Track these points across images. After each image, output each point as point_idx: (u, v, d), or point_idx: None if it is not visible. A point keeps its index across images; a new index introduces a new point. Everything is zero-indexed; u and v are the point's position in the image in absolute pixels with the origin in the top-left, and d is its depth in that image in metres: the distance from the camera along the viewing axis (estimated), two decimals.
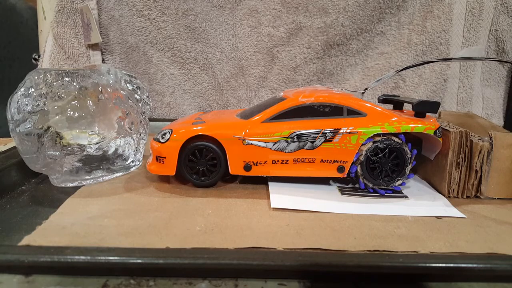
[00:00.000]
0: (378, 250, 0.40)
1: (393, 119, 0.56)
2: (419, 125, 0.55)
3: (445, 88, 0.90)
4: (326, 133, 0.55)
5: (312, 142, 0.55)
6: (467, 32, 0.88)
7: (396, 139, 0.55)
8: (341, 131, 0.55)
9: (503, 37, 0.88)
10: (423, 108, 0.57)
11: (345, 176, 0.57)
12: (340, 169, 0.56)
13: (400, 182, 0.56)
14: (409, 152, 0.55)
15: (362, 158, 0.55)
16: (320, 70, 0.93)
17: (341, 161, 0.56)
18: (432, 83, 0.90)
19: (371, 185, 0.56)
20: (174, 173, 0.56)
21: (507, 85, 0.93)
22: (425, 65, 0.90)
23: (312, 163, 0.56)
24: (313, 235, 0.43)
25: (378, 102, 0.67)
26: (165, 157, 0.56)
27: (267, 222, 0.46)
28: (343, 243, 0.41)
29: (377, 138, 0.55)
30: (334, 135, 0.55)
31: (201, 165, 0.56)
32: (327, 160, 0.56)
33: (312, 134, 0.55)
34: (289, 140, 0.55)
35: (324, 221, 0.47)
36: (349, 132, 0.55)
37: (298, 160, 0.56)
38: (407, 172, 0.56)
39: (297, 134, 0.55)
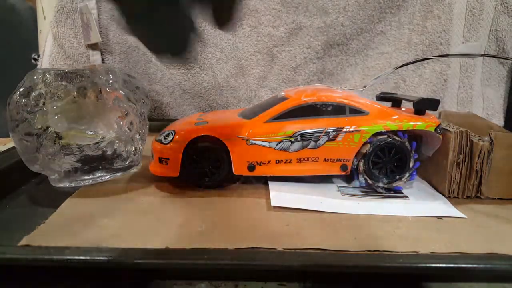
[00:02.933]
0: (378, 251, 0.40)
1: (394, 117, 0.56)
2: (420, 123, 0.55)
3: (446, 88, 0.90)
4: (329, 132, 0.55)
5: (316, 141, 0.55)
6: (467, 32, 0.88)
7: (398, 137, 0.55)
8: (344, 129, 0.55)
9: (503, 37, 0.88)
10: (423, 106, 0.57)
11: (348, 173, 0.57)
12: (343, 167, 0.56)
13: (401, 183, 0.56)
14: (412, 150, 0.55)
15: (364, 154, 0.55)
16: (320, 70, 0.93)
17: (344, 159, 0.56)
18: (433, 83, 0.90)
19: (370, 182, 0.56)
20: (178, 175, 0.56)
21: (508, 85, 0.92)
22: (425, 64, 0.90)
23: (315, 162, 0.56)
24: (313, 236, 0.43)
25: (377, 99, 0.67)
26: (168, 159, 0.55)
27: (267, 222, 0.46)
28: (343, 244, 0.41)
29: (380, 137, 0.55)
30: (337, 134, 0.55)
31: (205, 166, 0.56)
32: (331, 159, 0.56)
33: (316, 133, 0.55)
34: (292, 139, 0.55)
35: (324, 221, 0.47)
36: (352, 131, 0.55)
37: (302, 159, 0.56)
38: (409, 173, 0.56)
39: (300, 134, 0.55)
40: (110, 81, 0.56)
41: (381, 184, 0.56)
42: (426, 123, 0.55)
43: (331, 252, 0.39)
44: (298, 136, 0.55)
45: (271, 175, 0.57)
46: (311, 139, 0.55)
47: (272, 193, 0.53)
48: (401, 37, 0.90)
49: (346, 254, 0.39)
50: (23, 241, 0.40)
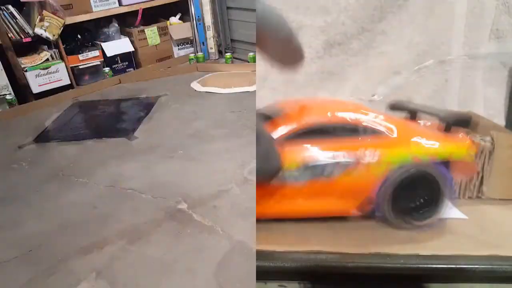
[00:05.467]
0: (379, 252, 0.40)
1: (424, 141, 0.48)
2: (456, 148, 0.48)
3: (447, 88, 0.90)
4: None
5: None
6: (468, 32, 0.87)
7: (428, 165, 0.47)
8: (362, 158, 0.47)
9: (504, 36, 0.88)
10: (453, 123, 0.51)
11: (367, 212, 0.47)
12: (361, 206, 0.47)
13: (434, 218, 0.47)
14: (447, 179, 0.47)
15: (387, 190, 0.46)
16: (320, 70, 0.92)
17: (362, 194, 0.47)
18: (433, 83, 0.90)
19: (397, 220, 0.46)
20: None
21: (509, 85, 0.92)
22: (427, 64, 0.90)
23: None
24: (315, 237, 0.43)
25: (389, 109, 0.64)
26: None
27: (267, 223, 0.46)
28: (344, 245, 0.41)
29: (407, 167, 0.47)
30: (354, 164, 0.46)
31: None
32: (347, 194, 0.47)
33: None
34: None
35: (325, 222, 0.47)
36: (372, 160, 0.46)
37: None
38: (444, 207, 0.47)
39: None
40: None
41: (412, 221, 0.46)
42: (459, 147, 0.47)
43: (332, 253, 0.39)
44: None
45: None
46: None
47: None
48: (402, 36, 0.89)
49: (347, 255, 0.39)
50: None
